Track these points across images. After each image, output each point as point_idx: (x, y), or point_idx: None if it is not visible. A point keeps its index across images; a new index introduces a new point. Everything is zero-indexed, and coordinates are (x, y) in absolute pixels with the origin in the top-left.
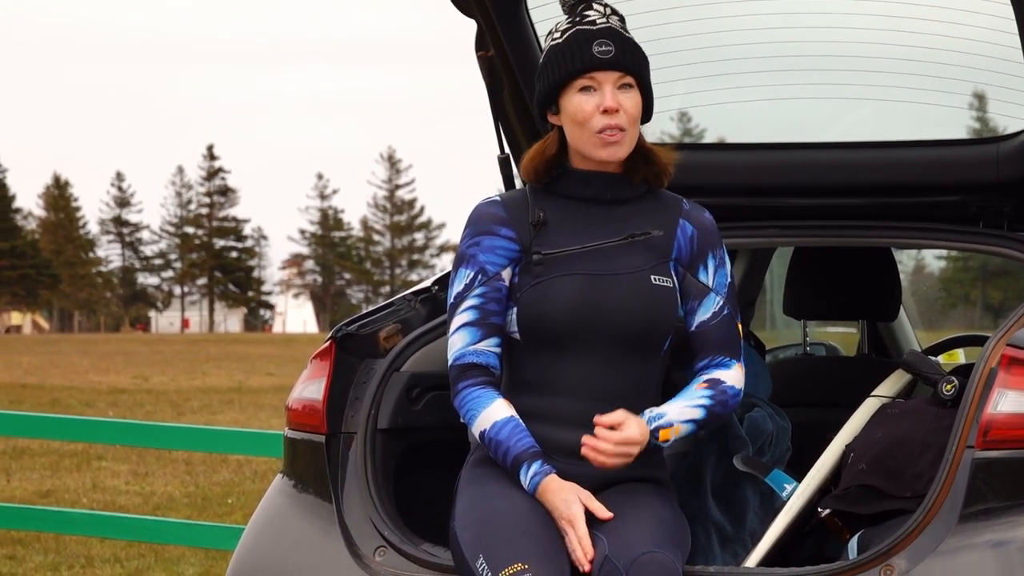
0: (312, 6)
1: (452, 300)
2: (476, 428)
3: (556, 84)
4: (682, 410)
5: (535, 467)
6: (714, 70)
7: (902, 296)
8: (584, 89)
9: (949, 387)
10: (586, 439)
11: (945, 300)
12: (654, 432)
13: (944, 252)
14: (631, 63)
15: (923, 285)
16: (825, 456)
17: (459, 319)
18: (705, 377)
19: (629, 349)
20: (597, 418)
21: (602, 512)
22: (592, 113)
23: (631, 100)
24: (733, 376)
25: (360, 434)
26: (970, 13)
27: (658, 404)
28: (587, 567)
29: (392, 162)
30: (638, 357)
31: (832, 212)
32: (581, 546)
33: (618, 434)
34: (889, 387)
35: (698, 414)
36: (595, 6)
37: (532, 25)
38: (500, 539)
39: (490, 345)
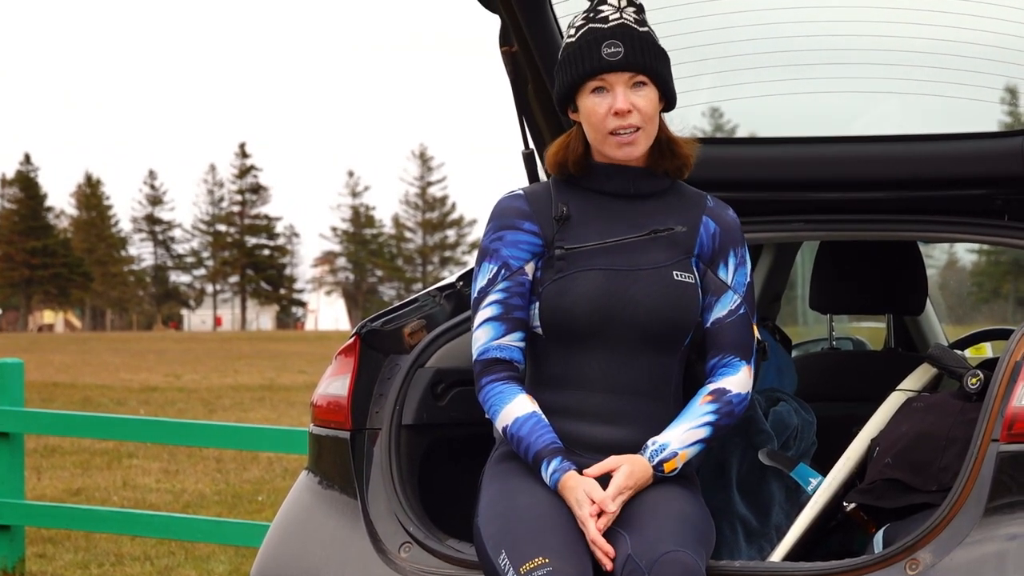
0: (342, 3)
1: (475, 295)
2: (499, 423)
3: (570, 86)
4: (685, 435)
5: (555, 463)
6: (742, 64)
7: (930, 290)
8: (597, 90)
9: (974, 381)
10: (592, 539)
11: (977, 295)
12: (658, 467)
13: (976, 246)
14: (642, 62)
15: (954, 279)
16: (850, 450)
17: (483, 314)
18: (710, 388)
19: (651, 344)
20: (586, 471)
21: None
22: (605, 115)
23: (645, 99)
24: (739, 382)
25: (385, 430)
26: (1000, 7)
27: (679, 399)
28: (608, 565)
29: (424, 159)
30: (660, 352)
31: (858, 206)
32: (597, 546)
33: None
34: (915, 381)
35: (704, 433)
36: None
37: (556, 19)
38: (522, 534)
39: (514, 340)
